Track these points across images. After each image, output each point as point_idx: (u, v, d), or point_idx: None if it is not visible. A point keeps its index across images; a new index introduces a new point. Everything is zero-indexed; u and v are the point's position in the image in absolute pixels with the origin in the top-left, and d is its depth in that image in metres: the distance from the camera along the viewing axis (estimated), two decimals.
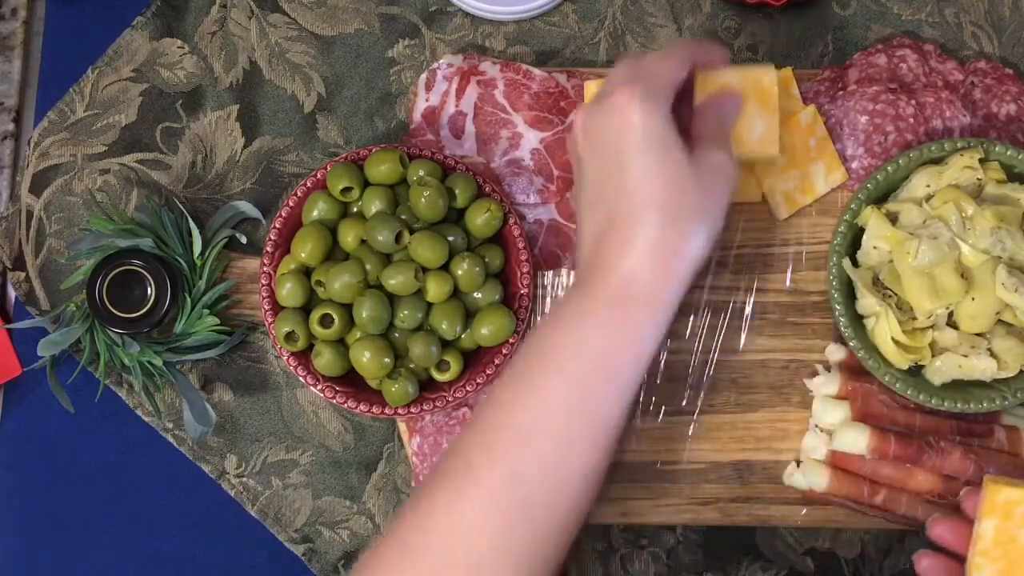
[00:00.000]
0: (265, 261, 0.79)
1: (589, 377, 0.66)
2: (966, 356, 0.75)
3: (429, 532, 0.64)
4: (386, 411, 0.77)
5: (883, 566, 0.81)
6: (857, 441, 0.77)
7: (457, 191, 0.78)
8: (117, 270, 0.79)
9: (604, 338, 0.66)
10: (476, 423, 0.67)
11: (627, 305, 0.66)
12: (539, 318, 0.82)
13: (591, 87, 0.82)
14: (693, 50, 0.73)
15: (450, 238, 0.78)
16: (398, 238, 0.77)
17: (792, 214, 0.82)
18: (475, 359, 0.79)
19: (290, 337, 0.77)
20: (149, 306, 0.79)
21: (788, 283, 0.82)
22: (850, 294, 0.78)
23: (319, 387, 0.78)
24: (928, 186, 0.77)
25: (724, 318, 0.82)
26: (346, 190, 0.79)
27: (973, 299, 0.74)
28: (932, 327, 0.75)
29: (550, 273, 0.83)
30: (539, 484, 0.64)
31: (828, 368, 0.81)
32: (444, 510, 0.64)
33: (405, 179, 0.79)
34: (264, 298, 0.79)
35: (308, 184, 0.80)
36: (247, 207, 0.84)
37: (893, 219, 0.77)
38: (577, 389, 0.66)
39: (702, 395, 0.81)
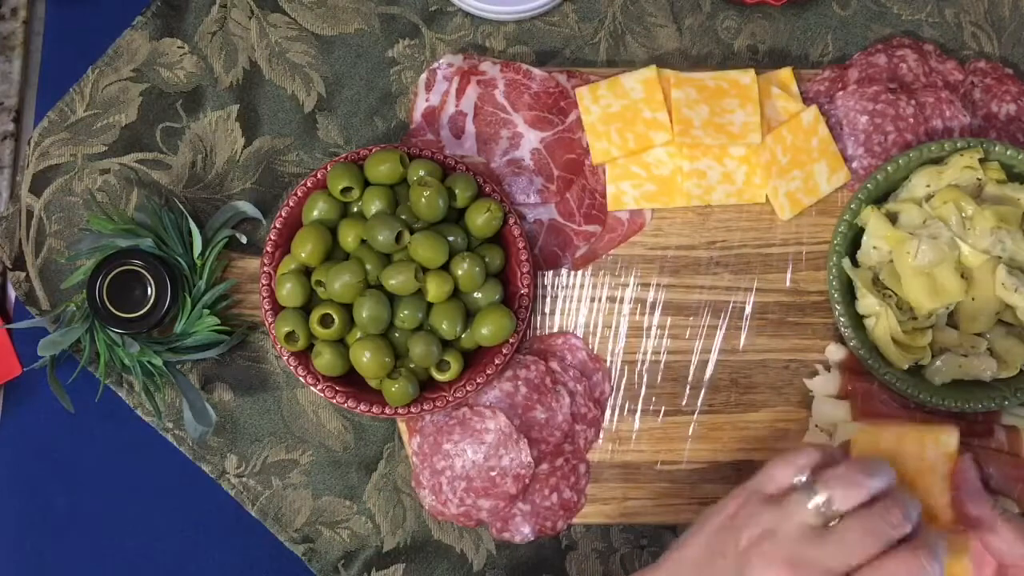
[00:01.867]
0: (265, 261, 0.79)
1: None
2: (966, 356, 0.75)
3: None
4: (386, 411, 0.77)
5: None
6: None
7: (457, 191, 0.78)
8: (117, 270, 0.79)
9: None
10: None
11: None
12: (539, 318, 0.82)
13: (582, 95, 0.82)
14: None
15: (450, 238, 0.77)
16: (398, 238, 0.77)
17: (796, 215, 0.82)
18: (475, 359, 0.79)
19: (290, 337, 0.77)
20: (149, 306, 0.79)
21: (788, 283, 0.82)
22: (850, 294, 0.78)
23: (319, 387, 0.78)
24: (928, 186, 0.77)
25: (724, 318, 0.82)
26: (346, 190, 0.79)
27: (973, 299, 0.74)
28: (932, 327, 0.75)
29: (550, 273, 0.83)
30: None
31: (828, 368, 0.81)
32: None
33: (405, 179, 0.79)
34: (264, 298, 0.79)
35: (308, 184, 0.80)
36: (247, 207, 0.84)
37: (893, 219, 0.77)
38: None
39: (702, 395, 0.82)
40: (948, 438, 0.67)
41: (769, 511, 0.62)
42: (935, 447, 0.67)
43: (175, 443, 0.83)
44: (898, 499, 0.62)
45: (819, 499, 0.62)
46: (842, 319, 0.76)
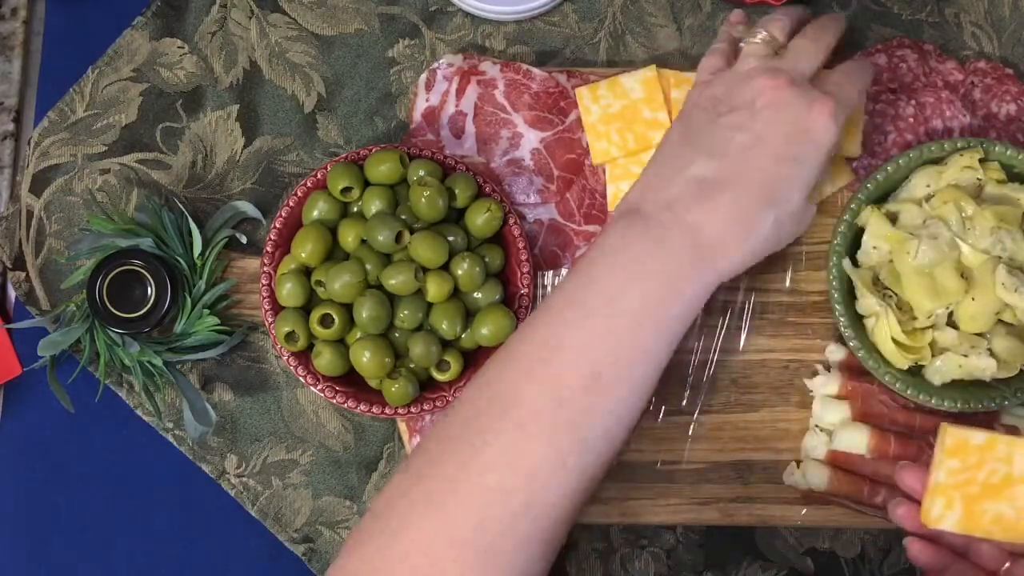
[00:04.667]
0: (265, 261, 0.79)
1: (639, 325, 0.65)
2: (966, 356, 0.75)
3: (475, 455, 0.62)
4: (386, 411, 0.77)
5: (883, 566, 0.81)
6: (857, 441, 0.77)
7: (457, 191, 0.78)
8: (117, 270, 0.79)
9: (663, 287, 0.66)
10: (511, 359, 0.65)
11: (696, 263, 0.66)
12: None
13: (582, 95, 0.82)
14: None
15: (450, 238, 0.77)
16: (398, 238, 0.77)
17: None
18: (475, 359, 0.79)
19: (290, 337, 0.77)
20: (149, 306, 0.79)
21: (788, 283, 0.82)
22: (850, 294, 0.78)
23: (319, 387, 0.78)
24: (928, 186, 0.77)
25: (724, 318, 0.82)
26: (346, 190, 0.79)
27: (973, 299, 0.74)
28: (932, 327, 0.75)
29: (550, 273, 0.83)
30: (588, 423, 0.64)
31: (828, 368, 0.81)
32: (493, 439, 0.62)
33: (405, 179, 0.79)
34: (264, 298, 0.79)
35: (308, 184, 0.80)
36: (247, 207, 0.84)
37: (893, 219, 0.77)
38: (625, 335, 0.65)
39: (702, 395, 0.81)
40: None
41: (728, 71, 0.73)
42: None
43: (175, 443, 0.83)
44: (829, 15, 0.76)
45: (761, 34, 0.73)
46: (842, 319, 0.76)
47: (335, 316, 0.76)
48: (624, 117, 0.82)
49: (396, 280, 0.76)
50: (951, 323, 0.76)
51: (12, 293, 0.86)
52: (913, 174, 0.78)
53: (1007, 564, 0.67)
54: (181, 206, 0.84)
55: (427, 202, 0.76)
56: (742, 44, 0.74)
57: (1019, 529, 0.66)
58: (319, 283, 0.78)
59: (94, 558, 0.84)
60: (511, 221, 0.80)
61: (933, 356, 0.76)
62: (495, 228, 0.79)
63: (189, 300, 0.81)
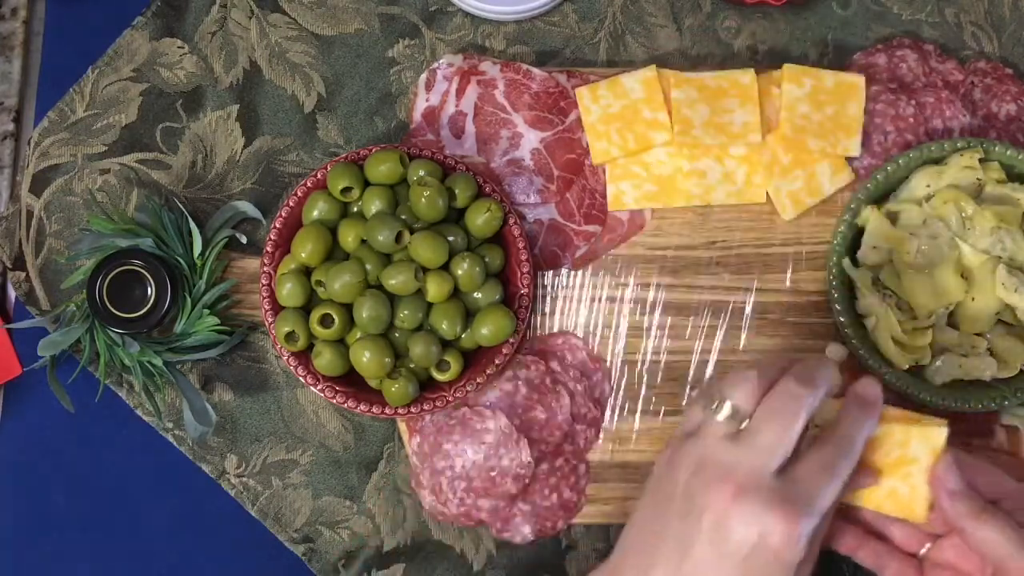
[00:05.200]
0: (265, 261, 0.79)
1: None
2: (966, 356, 0.75)
3: None
4: (386, 411, 0.77)
5: None
6: None
7: (457, 191, 0.78)
8: (117, 270, 0.79)
9: None
10: None
11: None
12: (539, 318, 0.82)
13: (582, 95, 0.82)
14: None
15: (450, 238, 0.77)
16: (398, 238, 0.77)
17: (798, 215, 0.82)
18: (475, 359, 0.79)
19: (290, 337, 0.77)
20: (149, 306, 0.79)
21: (788, 283, 0.82)
22: (850, 294, 0.78)
23: (319, 387, 0.78)
24: (928, 186, 0.77)
25: (724, 318, 0.82)
26: (346, 190, 0.79)
27: (973, 299, 0.74)
28: (932, 327, 0.75)
29: (550, 273, 0.83)
30: None
31: None
32: None
33: (405, 179, 0.79)
34: (264, 298, 0.79)
35: (308, 184, 0.80)
36: (247, 207, 0.84)
37: (893, 219, 0.77)
38: None
39: None
40: (938, 433, 0.65)
41: (692, 442, 0.63)
42: (922, 440, 0.65)
43: (175, 443, 0.83)
44: (795, 370, 0.63)
45: (725, 409, 0.62)
46: (842, 319, 0.76)
47: (335, 316, 0.76)
48: (624, 117, 0.82)
49: (396, 280, 0.76)
50: (951, 323, 0.76)
51: (12, 293, 0.86)
52: (913, 174, 0.78)
53: (928, 545, 0.66)
54: (181, 206, 0.84)
55: (427, 202, 0.76)
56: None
57: (912, 508, 0.65)
58: (319, 283, 0.77)
59: (94, 558, 0.84)
60: (511, 221, 0.80)
61: (933, 356, 0.76)
62: (495, 228, 0.79)
63: (189, 300, 0.81)
